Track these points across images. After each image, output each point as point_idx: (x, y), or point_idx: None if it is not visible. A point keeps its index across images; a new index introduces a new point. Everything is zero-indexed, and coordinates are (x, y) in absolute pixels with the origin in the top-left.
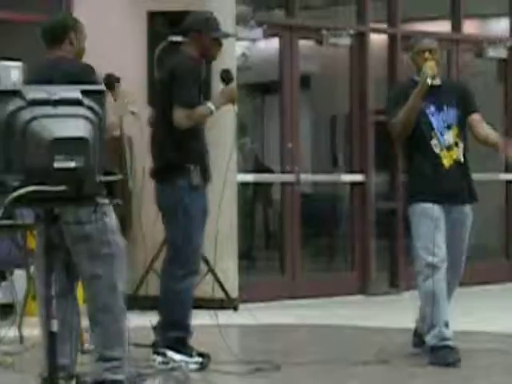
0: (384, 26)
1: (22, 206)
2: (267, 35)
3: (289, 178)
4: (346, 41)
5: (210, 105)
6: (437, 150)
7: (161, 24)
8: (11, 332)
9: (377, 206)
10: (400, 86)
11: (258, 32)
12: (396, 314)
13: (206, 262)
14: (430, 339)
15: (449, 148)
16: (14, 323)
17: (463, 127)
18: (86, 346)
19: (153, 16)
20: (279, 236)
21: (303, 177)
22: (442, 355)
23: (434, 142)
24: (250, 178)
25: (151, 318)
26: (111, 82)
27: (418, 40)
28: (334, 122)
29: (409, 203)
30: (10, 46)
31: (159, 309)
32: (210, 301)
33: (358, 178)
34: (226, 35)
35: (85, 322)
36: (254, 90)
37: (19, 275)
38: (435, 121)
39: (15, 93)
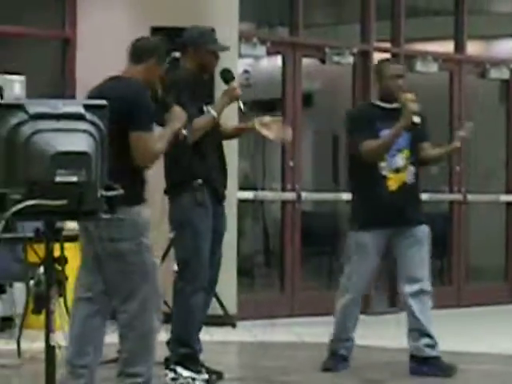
0: (387, 45)
1: (23, 219)
2: (270, 53)
3: (290, 196)
4: (349, 59)
5: (211, 110)
6: (384, 172)
7: (164, 39)
8: (10, 345)
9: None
10: (361, 110)
11: (261, 49)
12: (396, 332)
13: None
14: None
15: (396, 171)
16: (13, 336)
17: (414, 151)
18: None
19: (156, 32)
20: (279, 254)
21: (304, 195)
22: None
23: (382, 164)
24: (250, 195)
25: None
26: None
27: (387, 64)
28: (336, 140)
29: (351, 227)
30: (13, 59)
31: (171, 325)
32: (208, 317)
33: None
34: (222, 48)
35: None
36: (256, 108)
37: (19, 288)
38: None
39: (18, 106)
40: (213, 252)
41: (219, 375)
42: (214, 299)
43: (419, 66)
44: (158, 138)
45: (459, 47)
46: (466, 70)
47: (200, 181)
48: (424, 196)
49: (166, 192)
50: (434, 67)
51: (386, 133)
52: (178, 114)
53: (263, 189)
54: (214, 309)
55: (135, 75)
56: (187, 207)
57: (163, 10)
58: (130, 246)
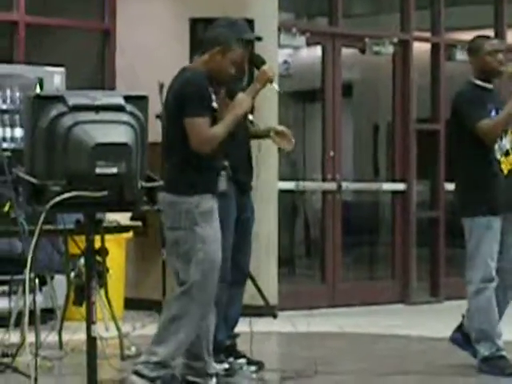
0: (427, 34)
1: (63, 211)
2: (310, 43)
3: (330, 186)
4: (389, 49)
5: (242, 95)
6: (498, 156)
7: (203, 31)
8: (51, 337)
9: (418, 215)
10: (471, 92)
11: (301, 40)
12: (437, 323)
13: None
14: (483, 350)
15: (506, 154)
16: (55, 328)
17: None
18: (127, 352)
19: (195, 23)
20: (320, 244)
21: (345, 185)
22: (498, 365)
23: (496, 146)
24: (291, 185)
25: None
26: (259, 61)
27: (484, 40)
28: (377, 130)
29: (468, 215)
30: (53, 51)
31: None
32: (249, 308)
33: (400, 186)
34: (258, 38)
35: (124, 329)
36: (296, 98)
37: (59, 280)
38: None
39: (58, 98)
40: (239, 243)
41: (260, 365)
42: (255, 290)
43: (459, 54)
44: (220, 123)
45: (499, 36)
46: (506, 59)
47: (223, 172)
48: None
49: None
50: None
51: (493, 114)
52: (241, 101)
53: (304, 179)
54: (255, 299)
55: (198, 66)
56: None
57: (202, 0)
58: (184, 235)
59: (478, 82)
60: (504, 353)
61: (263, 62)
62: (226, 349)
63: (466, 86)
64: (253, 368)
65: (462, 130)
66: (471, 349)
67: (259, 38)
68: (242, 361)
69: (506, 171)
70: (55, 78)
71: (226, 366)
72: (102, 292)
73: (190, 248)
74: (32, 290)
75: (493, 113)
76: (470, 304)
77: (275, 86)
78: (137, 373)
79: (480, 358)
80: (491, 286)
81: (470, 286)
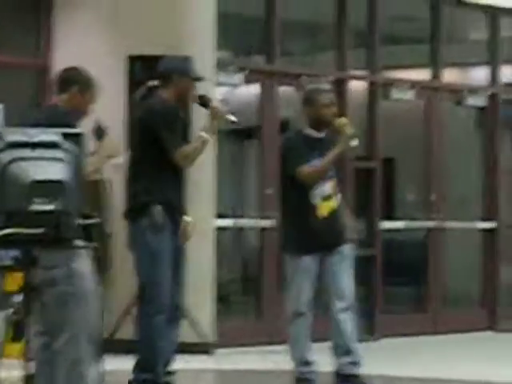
0: (364, 72)
1: (0, 247)
2: (247, 81)
3: (268, 223)
4: (324, 87)
5: (201, 133)
6: (315, 201)
7: (140, 68)
8: None
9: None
10: (294, 138)
11: (239, 77)
12: (373, 360)
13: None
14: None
15: (327, 198)
16: None
17: (339, 179)
18: None
19: (133, 60)
20: (257, 281)
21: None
22: None
23: (314, 192)
24: (229, 222)
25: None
26: (100, 132)
27: (318, 93)
28: None
29: (284, 253)
30: None
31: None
32: (185, 345)
33: None
34: (201, 76)
35: None
36: (233, 136)
37: None
38: None
39: None
40: (178, 272)
41: None
42: (190, 326)
43: (395, 93)
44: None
45: (435, 75)
46: (442, 98)
47: (159, 206)
48: (400, 223)
49: (123, 215)
50: (410, 95)
51: (315, 162)
52: (109, 145)
53: (242, 216)
54: (190, 336)
55: (59, 103)
56: (144, 231)
57: (140, 38)
58: (61, 273)
59: (308, 131)
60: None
61: (210, 100)
62: None
63: (294, 133)
64: None
65: (285, 173)
66: None
67: (199, 79)
68: None
69: (325, 213)
70: None
71: None
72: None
73: (68, 286)
74: None
75: (316, 161)
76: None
77: (231, 117)
78: None
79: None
80: (300, 319)
81: (286, 315)
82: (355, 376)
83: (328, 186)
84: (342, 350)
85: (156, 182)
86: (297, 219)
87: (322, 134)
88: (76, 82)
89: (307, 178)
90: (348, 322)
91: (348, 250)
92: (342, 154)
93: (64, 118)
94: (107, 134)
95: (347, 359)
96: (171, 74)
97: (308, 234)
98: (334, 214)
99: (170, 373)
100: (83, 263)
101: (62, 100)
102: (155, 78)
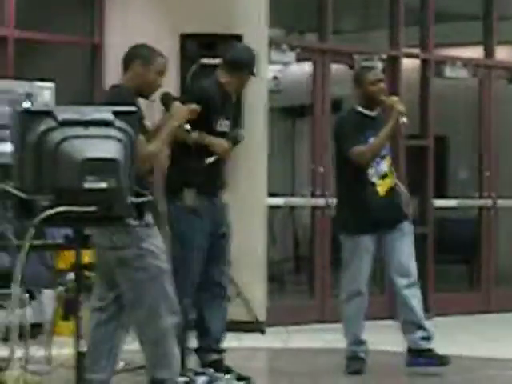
0: (417, 50)
1: (52, 225)
2: (300, 59)
3: (319, 202)
4: (378, 65)
5: (178, 105)
6: (373, 179)
7: (193, 46)
8: (40, 351)
9: None
10: (349, 117)
11: (291, 56)
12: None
13: (235, 284)
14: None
15: (383, 177)
16: (43, 343)
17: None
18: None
19: (185, 38)
20: (309, 260)
21: (334, 201)
22: (349, 364)
23: (370, 171)
24: (280, 201)
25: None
26: (168, 100)
27: (366, 71)
28: None
29: (341, 233)
30: (43, 66)
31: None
32: (238, 323)
33: None
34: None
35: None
36: (285, 114)
37: (48, 295)
38: None
39: (47, 113)
40: (215, 258)
41: (249, 381)
42: (243, 305)
43: (448, 71)
44: (155, 139)
45: (489, 52)
46: (495, 76)
47: (194, 190)
48: (452, 202)
49: (165, 195)
50: (463, 73)
51: (369, 141)
52: (177, 111)
53: (293, 195)
54: (244, 315)
55: (124, 83)
56: (179, 216)
57: (192, 16)
58: (132, 253)
59: (360, 109)
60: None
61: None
62: (214, 363)
63: (347, 113)
64: (241, 383)
65: (340, 153)
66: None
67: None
68: (230, 376)
69: (382, 192)
70: (44, 93)
71: (184, 379)
72: None
73: (140, 265)
74: (21, 305)
75: (371, 139)
76: (342, 311)
77: (187, 126)
78: None
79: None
80: (358, 298)
81: (341, 294)
82: (429, 350)
83: (384, 165)
84: (413, 326)
85: (184, 164)
86: (355, 199)
87: (374, 113)
88: (137, 56)
89: (360, 158)
90: (414, 297)
91: (408, 227)
92: (392, 131)
93: (124, 98)
94: (174, 102)
95: (419, 334)
96: (238, 64)
97: (367, 213)
98: (391, 192)
99: (221, 350)
100: (155, 242)
101: (125, 78)
102: (209, 57)
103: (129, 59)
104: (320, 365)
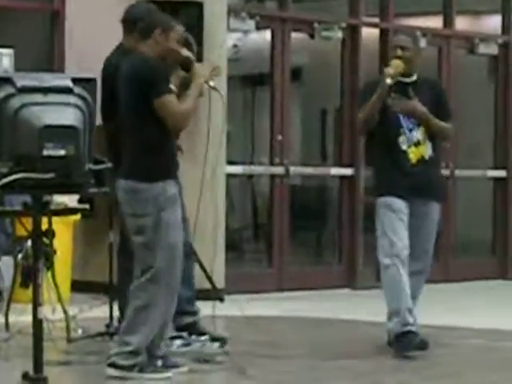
0: (376, 20)
1: (10, 192)
2: (259, 27)
3: (278, 170)
4: (337, 34)
5: (198, 65)
6: (404, 147)
7: None
8: None
9: (365, 200)
10: (371, 84)
11: (250, 24)
12: (383, 307)
13: (194, 252)
14: (393, 326)
15: (416, 144)
16: (1, 310)
17: None
18: (73, 334)
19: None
20: (268, 228)
21: (292, 169)
22: (407, 340)
23: (401, 138)
24: (238, 169)
25: None
26: (189, 64)
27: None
28: (325, 115)
29: (375, 196)
30: (3, 33)
31: None
32: (196, 291)
33: (348, 171)
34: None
35: (71, 311)
36: (244, 82)
37: (6, 262)
38: (403, 118)
39: (6, 80)
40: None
41: (224, 341)
42: (201, 273)
43: None
44: (184, 97)
45: (448, 22)
46: (454, 45)
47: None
48: None
49: None
50: (422, 42)
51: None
52: (199, 70)
53: (252, 163)
54: (202, 283)
55: (147, 51)
56: None
57: None
58: (150, 222)
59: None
60: (412, 328)
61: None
62: (188, 326)
63: (372, 80)
64: (216, 344)
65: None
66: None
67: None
68: (205, 337)
69: (414, 160)
70: (4, 60)
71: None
72: (49, 274)
73: (156, 234)
74: None
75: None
76: (381, 281)
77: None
78: (112, 365)
79: (393, 336)
80: (396, 262)
81: (382, 260)
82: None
83: (416, 133)
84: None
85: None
86: (386, 164)
87: (409, 79)
88: (157, 24)
89: (359, 124)
90: (417, 286)
91: (435, 213)
92: (381, 94)
93: (163, 70)
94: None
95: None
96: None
97: (399, 177)
98: (424, 162)
99: (194, 312)
100: (174, 213)
101: (145, 46)
102: None
103: (148, 28)
104: (276, 332)
